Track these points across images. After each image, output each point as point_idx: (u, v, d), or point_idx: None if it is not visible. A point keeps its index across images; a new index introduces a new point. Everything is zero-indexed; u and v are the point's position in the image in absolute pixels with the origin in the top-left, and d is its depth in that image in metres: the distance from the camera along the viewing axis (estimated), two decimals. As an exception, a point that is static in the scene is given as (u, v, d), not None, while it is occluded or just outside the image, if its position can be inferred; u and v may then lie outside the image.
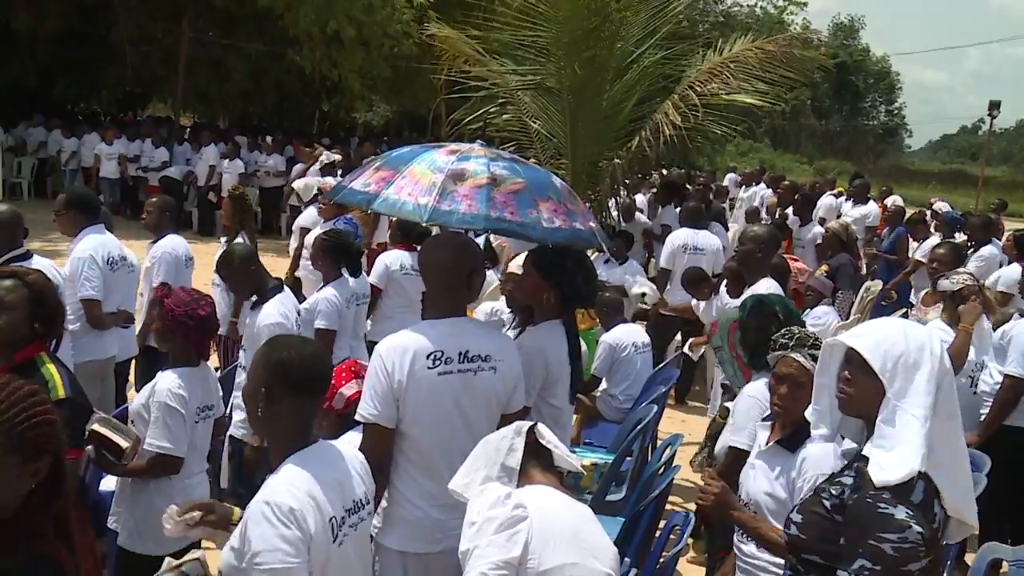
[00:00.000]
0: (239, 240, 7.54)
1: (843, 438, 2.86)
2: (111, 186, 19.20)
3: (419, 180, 3.70)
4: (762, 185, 18.52)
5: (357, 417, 3.47)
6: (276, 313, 5.26)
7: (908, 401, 2.52)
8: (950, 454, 2.57)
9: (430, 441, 3.48)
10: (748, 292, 6.02)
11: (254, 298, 5.44)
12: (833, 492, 2.64)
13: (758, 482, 3.53)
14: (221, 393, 4.55)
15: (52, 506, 2.01)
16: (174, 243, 6.95)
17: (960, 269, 6.72)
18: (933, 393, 2.53)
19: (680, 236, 9.57)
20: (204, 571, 3.02)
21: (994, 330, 6.12)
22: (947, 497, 2.54)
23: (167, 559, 3.24)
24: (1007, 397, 5.76)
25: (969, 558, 3.91)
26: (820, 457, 3.33)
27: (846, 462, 2.78)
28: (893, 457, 2.50)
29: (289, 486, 2.57)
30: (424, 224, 3.81)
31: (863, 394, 2.60)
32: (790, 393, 3.52)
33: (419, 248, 4.03)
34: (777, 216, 13.99)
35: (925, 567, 2.43)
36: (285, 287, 5.63)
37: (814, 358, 3.42)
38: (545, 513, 2.68)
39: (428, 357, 3.45)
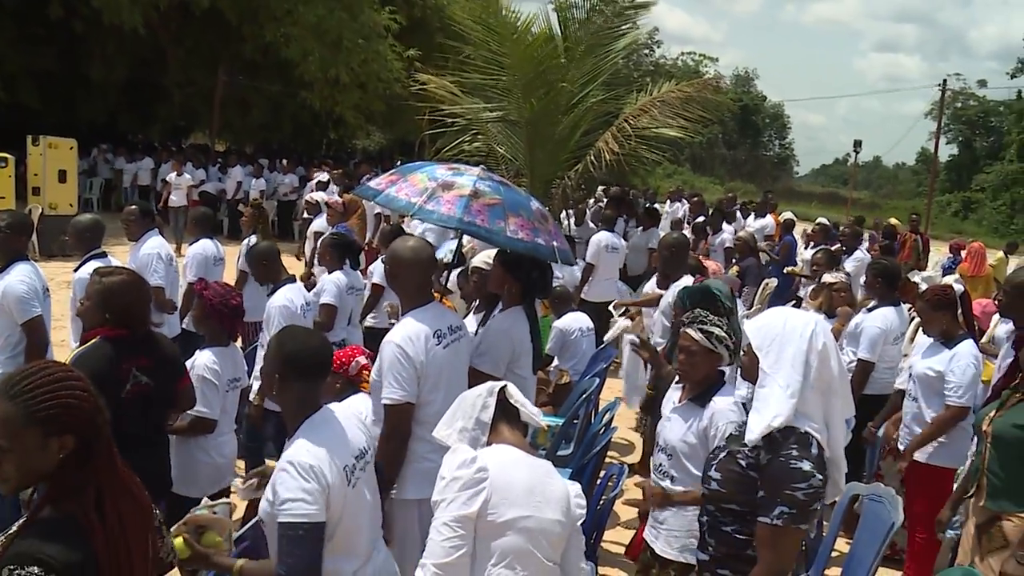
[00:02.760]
0: (265, 241, 7.44)
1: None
2: (175, 214, 16.04)
3: (416, 184, 3.85)
4: (683, 202, 18.76)
5: (384, 401, 3.43)
6: (283, 298, 5.27)
7: (777, 373, 2.55)
8: (833, 423, 2.59)
9: (442, 403, 3.44)
10: (673, 287, 6.10)
11: (271, 286, 5.46)
12: (748, 454, 2.62)
13: (674, 431, 3.46)
14: (246, 368, 4.50)
15: (81, 477, 1.90)
16: (204, 247, 6.82)
17: (838, 272, 7.06)
18: (801, 368, 2.53)
19: (603, 238, 9.57)
20: (230, 514, 3.01)
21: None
22: (828, 456, 2.54)
23: (205, 498, 3.22)
24: (859, 379, 5.76)
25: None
26: (724, 409, 3.31)
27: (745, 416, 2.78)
28: (755, 419, 2.56)
29: (307, 446, 2.55)
30: (410, 217, 3.86)
31: (751, 365, 2.66)
32: (687, 359, 3.43)
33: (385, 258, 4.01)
34: (693, 224, 14.03)
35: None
36: (297, 280, 5.60)
37: (702, 332, 3.39)
38: (504, 472, 2.61)
39: (434, 336, 3.53)
